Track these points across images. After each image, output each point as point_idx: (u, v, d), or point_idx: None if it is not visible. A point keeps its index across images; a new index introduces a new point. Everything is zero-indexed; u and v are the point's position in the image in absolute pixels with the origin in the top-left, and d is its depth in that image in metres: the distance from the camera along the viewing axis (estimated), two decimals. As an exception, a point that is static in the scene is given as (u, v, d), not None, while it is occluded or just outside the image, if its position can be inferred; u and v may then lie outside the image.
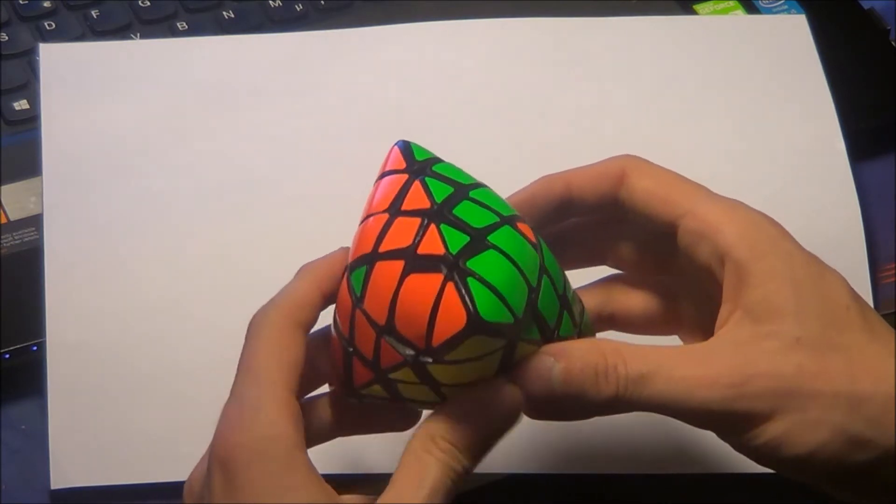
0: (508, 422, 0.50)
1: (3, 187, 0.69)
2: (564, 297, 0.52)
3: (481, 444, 0.50)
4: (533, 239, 0.51)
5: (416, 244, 0.48)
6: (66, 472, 0.62)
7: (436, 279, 0.47)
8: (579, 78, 0.75)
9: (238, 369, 0.51)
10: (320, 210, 0.68)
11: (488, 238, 0.49)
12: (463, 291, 0.47)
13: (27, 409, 0.64)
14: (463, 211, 0.49)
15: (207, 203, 0.69)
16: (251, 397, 0.49)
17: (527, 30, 0.76)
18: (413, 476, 0.48)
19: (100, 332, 0.65)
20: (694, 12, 0.80)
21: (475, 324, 0.47)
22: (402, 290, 0.48)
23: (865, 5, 0.81)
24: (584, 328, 0.53)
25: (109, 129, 0.71)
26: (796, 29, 0.78)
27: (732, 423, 0.50)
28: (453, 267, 0.48)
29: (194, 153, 0.71)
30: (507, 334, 0.48)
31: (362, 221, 0.50)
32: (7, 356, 0.64)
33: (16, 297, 0.66)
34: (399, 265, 0.48)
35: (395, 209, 0.50)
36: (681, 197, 0.53)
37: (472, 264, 0.48)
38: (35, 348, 0.64)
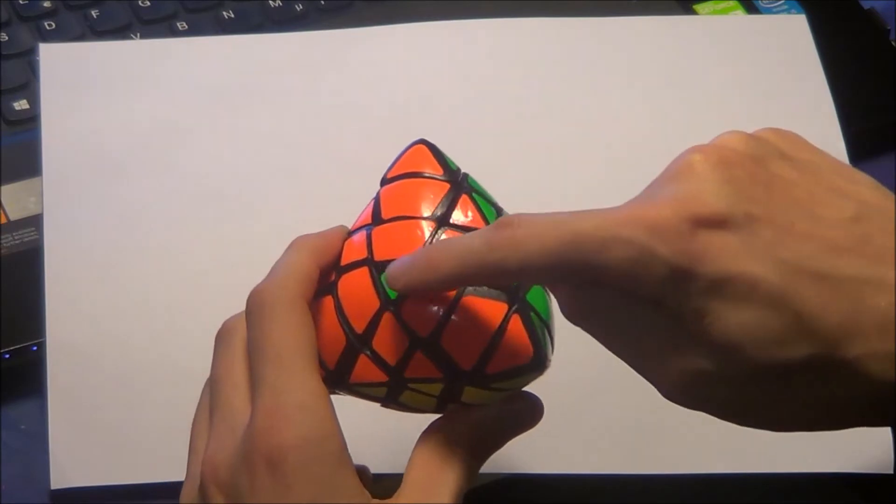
0: (526, 428, 0.50)
1: (3, 187, 0.69)
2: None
3: (495, 447, 0.49)
4: None
5: None
6: (66, 472, 0.62)
7: (499, 308, 0.47)
8: (579, 78, 0.75)
9: (256, 354, 0.48)
10: (321, 210, 0.68)
11: None
12: (531, 327, 0.47)
13: (27, 409, 0.64)
14: None
15: (207, 203, 0.69)
16: (289, 390, 0.47)
17: (527, 30, 0.76)
18: (435, 482, 0.48)
19: (100, 332, 0.65)
20: (694, 12, 0.80)
21: (538, 361, 0.47)
22: (458, 309, 0.47)
23: (865, 5, 0.81)
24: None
25: (109, 129, 0.71)
26: (796, 29, 0.77)
27: None
28: (515, 298, 0.47)
29: (194, 153, 0.71)
30: (545, 369, 0.48)
31: (393, 219, 0.49)
32: (7, 356, 0.64)
33: (16, 297, 0.66)
34: None
35: (443, 220, 0.49)
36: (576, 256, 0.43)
37: (529, 298, 0.48)
38: (35, 348, 0.64)
